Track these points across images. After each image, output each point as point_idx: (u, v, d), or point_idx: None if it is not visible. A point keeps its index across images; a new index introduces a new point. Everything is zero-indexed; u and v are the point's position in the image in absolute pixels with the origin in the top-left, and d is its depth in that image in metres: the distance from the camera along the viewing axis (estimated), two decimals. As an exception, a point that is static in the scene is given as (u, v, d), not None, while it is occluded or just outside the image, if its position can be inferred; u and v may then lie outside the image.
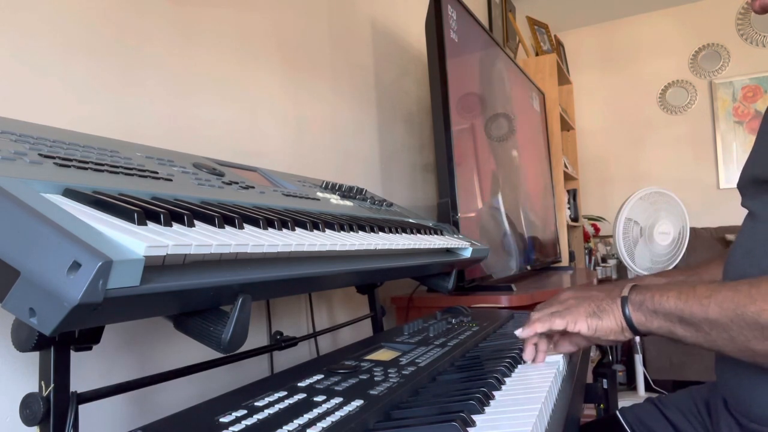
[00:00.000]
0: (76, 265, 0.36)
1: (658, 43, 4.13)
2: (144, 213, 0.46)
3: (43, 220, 0.38)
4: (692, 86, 4.03)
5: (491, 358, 0.78)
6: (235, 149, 1.18)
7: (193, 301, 0.48)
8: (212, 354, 0.57)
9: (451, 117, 1.53)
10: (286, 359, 1.17)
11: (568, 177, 3.42)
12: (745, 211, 0.79)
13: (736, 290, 0.59)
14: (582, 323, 0.71)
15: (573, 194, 3.59)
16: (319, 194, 0.98)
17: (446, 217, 1.48)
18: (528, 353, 0.76)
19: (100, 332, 0.51)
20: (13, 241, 0.37)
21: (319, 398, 0.57)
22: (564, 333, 0.77)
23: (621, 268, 3.55)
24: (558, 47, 3.75)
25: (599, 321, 0.70)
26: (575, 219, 3.54)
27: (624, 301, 0.69)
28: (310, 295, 1.29)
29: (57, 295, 0.35)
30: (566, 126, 3.51)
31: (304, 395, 0.58)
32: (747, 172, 0.78)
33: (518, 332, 0.75)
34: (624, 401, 1.23)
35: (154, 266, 0.42)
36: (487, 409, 0.56)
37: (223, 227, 0.53)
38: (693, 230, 3.06)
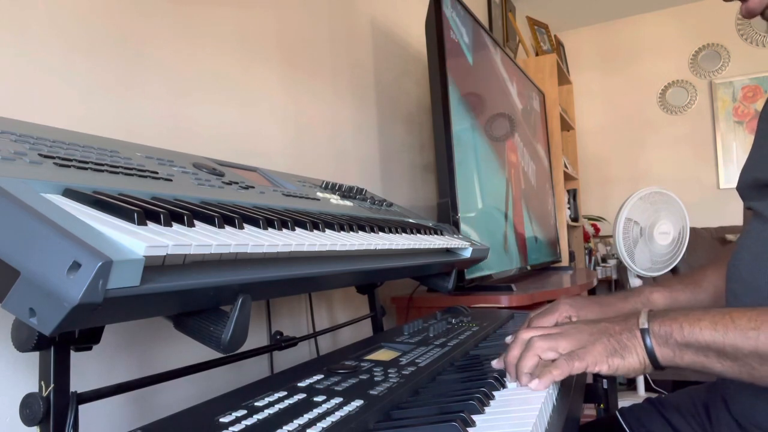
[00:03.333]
0: (76, 265, 0.36)
1: (658, 43, 4.13)
2: (144, 213, 0.46)
3: (43, 220, 0.38)
4: (692, 86, 4.03)
5: (491, 358, 0.78)
6: (235, 149, 1.18)
7: (193, 301, 0.48)
8: (212, 354, 0.57)
9: (451, 117, 1.53)
10: (286, 359, 1.17)
11: (568, 177, 3.42)
12: (743, 212, 0.78)
13: None
14: (603, 364, 0.62)
15: (573, 194, 3.59)
16: (319, 194, 0.98)
17: (446, 217, 1.47)
18: (523, 382, 0.65)
19: (100, 332, 0.51)
20: (13, 241, 0.37)
21: (319, 398, 0.57)
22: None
23: (621, 268, 3.55)
24: (558, 47, 3.75)
25: (622, 360, 0.61)
26: (575, 219, 3.54)
27: (644, 333, 0.61)
28: (310, 295, 1.29)
29: (57, 295, 0.35)
30: (566, 126, 3.51)
31: (304, 395, 0.58)
32: (748, 174, 0.77)
33: (533, 385, 0.63)
34: (624, 401, 1.23)
35: (154, 266, 0.42)
36: (487, 409, 0.56)
37: (223, 227, 0.53)
38: (693, 230, 3.06)
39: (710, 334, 0.57)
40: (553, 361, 0.64)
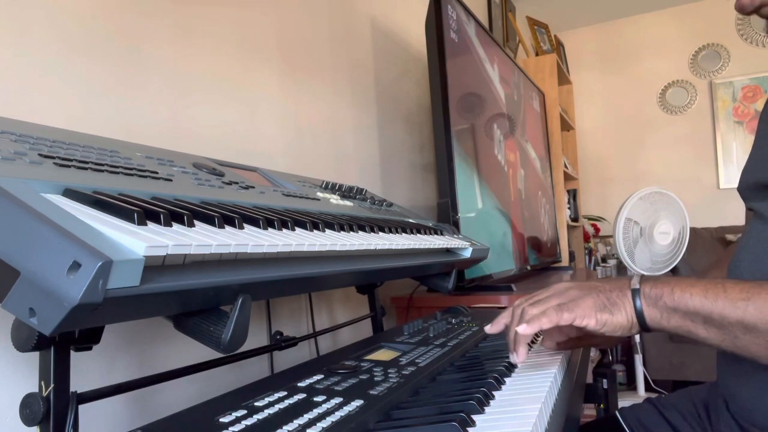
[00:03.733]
0: (76, 265, 0.36)
1: (658, 43, 4.13)
2: (144, 213, 0.46)
3: (43, 220, 0.38)
4: (692, 86, 4.03)
5: (491, 358, 0.78)
6: (235, 149, 1.18)
7: (193, 301, 0.48)
8: (212, 354, 0.57)
9: (451, 117, 1.53)
10: (286, 359, 1.17)
11: (568, 177, 3.42)
12: (745, 212, 0.78)
13: None
14: (591, 318, 0.62)
15: (573, 194, 3.59)
16: (319, 194, 0.98)
17: (446, 217, 1.47)
18: (523, 355, 0.66)
19: (100, 332, 0.51)
20: (13, 241, 0.37)
21: (319, 398, 0.57)
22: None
23: (621, 268, 3.55)
24: (558, 47, 3.75)
25: (610, 316, 0.62)
26: (575, 219, 3.54)
27: (635, 293, 0.62)
28: (310, 295, 1.29)
29: (57, 295, 0.35)
30: (566, 126, 3.51)
31: (304, 395, 0.58)
32: (749, 175, 0.77)
33: (520, 329, 0.64)
34: (624, 401, 1.23)
35: (154, 266, 0.42)
36: (487, 409, 0.56)
37: (223, 227, 0.53)
38: (693, 230, 3.06)
39: (700, 300, 0.59)
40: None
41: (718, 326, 0.58)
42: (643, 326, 0.63)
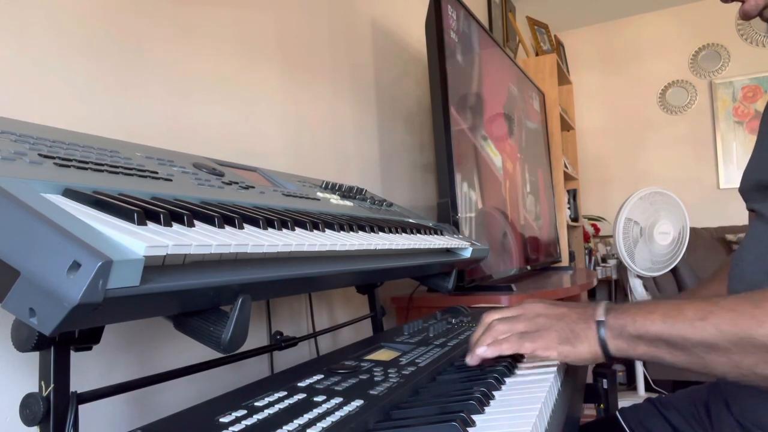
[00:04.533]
0: (76, 265, 0.36)
1: (658, 43, 4.13)
2: (144, 213, 0.46)
3: (43, 220, 0.38)
4: (692, 86, 4.03)
5: (491, 358, 0.78)
6: (235, 149, 1.18)
7: (193, 301, 0.48)
8: (212, 354, 0.57)
9: (451, 117, 1.53)
10: (286, 359, 1.17)
11: (568, 177, 3.42)
12: (746, 213, 0.79)
13: (737, 311, 0.55)
14: (552, 350, 0.63)
15: (573, 194, 3.59)
16: (319, 194, 0.98)
17: (446, 217, 1.47)
18: (475, 362, 0.68)
19: (100, 332, 0.51)
20: (13, 241, 0.37)
21: (319, 398, 0.57)
22: None
23: (621, 268, 3.55)
24: (558, 47, 3.75)
25: (571, 348, 0.63)
26: (575, 219, 3.54)
27: (599, 325, 0.63)
28: (310, 295, 1.29)
29: (57, 295, 0.35)
30: (566, 126, 3.51)
31: (304, 395, 0.58)
32: (750, 176, 0.77)
33: (480, 351, 0.66)
34: (624, 401, 1.23)
35: (154, 266, 0.42)
36: (487, 409, 0.56)
37: (223, 227, 0.53)
38: (693, 230, 3.06)
39: (660, 326, 0.59)
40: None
41: (681, 349, 0.58)
42: (608, 356, 0.63)
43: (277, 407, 0.54)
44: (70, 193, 0.47)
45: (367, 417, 0.52)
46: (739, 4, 0.72)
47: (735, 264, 0.76)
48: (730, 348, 0.55)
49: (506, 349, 0.65)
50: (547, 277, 2.19)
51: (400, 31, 2.05)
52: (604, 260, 3.82)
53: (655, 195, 2.73)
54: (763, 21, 0.73)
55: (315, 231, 0.68)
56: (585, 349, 0.63)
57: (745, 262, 0.73)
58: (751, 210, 0.78)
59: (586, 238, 3.78)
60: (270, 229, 0.60)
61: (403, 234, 0.92)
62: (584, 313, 0.65)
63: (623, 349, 0.62)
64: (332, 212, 0.87)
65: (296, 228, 0.65)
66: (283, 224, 0.63)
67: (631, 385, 3.10)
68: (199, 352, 0.74)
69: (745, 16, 0.73)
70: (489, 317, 0.70)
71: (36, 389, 0.48)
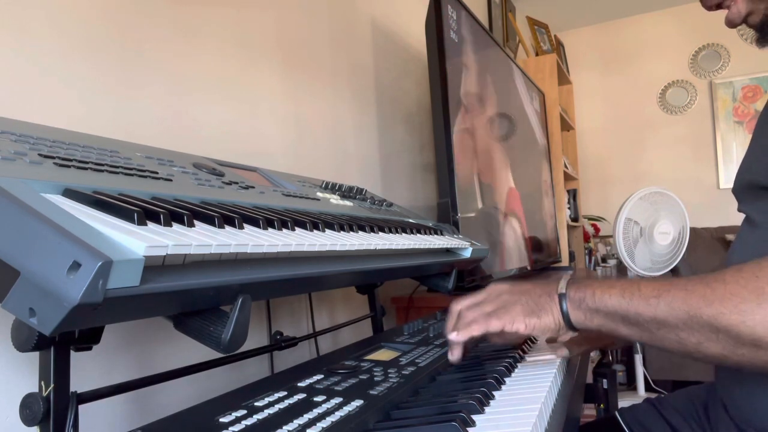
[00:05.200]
0: (76, 265, 0.36)
1: (658, 43, 4.13)
2: (144, 213, 0.46)
3: (43, 220, 0.38)
4: (692, 86, 4.03)
5: (491, 358, 0.78)
6: (235, 149, 1.18)
7: (193, 301, 0.48)
8: (212, 354, 0.57)
9: (451, 117, 1.53)
10: (286, 359, 1.17)
11: (568, 177, 3.42)
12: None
13: (688, 290, 0.57)
14: (520, 323, 0.66)
15: (573, 194, 3.59)
16: (319, 194, 0.98)
17: (446, 217, 1.47)
18: (457, 355, 0.70)
19: (100, 332, 0.51)
20: (13, 241, 0.37)
21: (319, 398, 0.57)
22: None
23: (621, 268, 3.55)
24: (558, 47, 3.75)
25: (537, 320, 0.66)
26: (575, 219, 3.54)
27: (561, 297, 0.66)
28: (310, 295, 1.29)
29: (57, 295, 0.35)
30: (566, 126, 3.51)
31: (304, 395, 0.58)
32: (742, 176, 0.77)
33: (452, 336, 0.69)
34: (624, 401, 1.23)
35: (154, 266, 0.42)
36: (487, 409, 0.56)
37: (223, 227, 0.53)
38: (693, 230, 3.06)
39: (617, 300, 0.62)
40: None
41: (635, 323, 0.61)
42: (570, 327, 0.66)
43: (277, 407, 0.54)
44: (70, 193, 0.47)
45: (367, 417, 0.52)
46: (725, 11, 0.74)
47: (725, 266, 0.76)
48: (678, 325, 0.57)
49: (475, 330, 0.68)
50: (547, 277, 2.18)
51: (400, 31, 2.05)
52: (604, 260, 3.82)
53: (655, 195, 2.73)
54: (749, 28, 0.74)
55: (315, 231, 0.68)
56: (549, 320, 0.66)
57: (732, 264, 0.74)
58: (740, 211, 0.79)
59: (586, 238, 3.78)
60: (270, 229, 0.60)
61: (403, 234, 0.92)
62: (547, 286, 0.69)
63: (581, 320, 0.65)
64: (332, 212, 0.87)
65: (296, 228, 0.65)
66: (283, 224, 0.63)
67: (630, 385, 3.10)
68: (199, 352, 0.74)
69: (730, 24, 0.75)
70: (456, 306, 0.73)
71: (36, 389, 0.48)
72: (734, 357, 0.55)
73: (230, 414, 0.52)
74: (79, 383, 0.53)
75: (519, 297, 0.69)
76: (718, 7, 0.76)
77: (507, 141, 2.15)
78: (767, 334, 0.51)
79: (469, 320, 0.69)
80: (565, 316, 0.65)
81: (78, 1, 0.89)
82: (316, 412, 0.52)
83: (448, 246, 1.06)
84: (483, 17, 3.15)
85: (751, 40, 0.76)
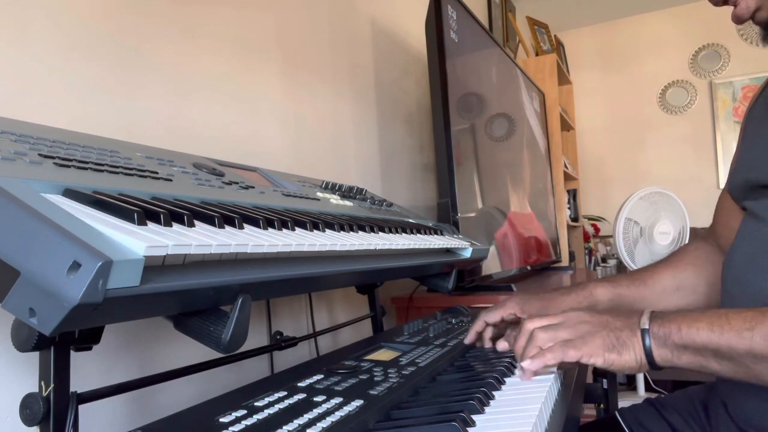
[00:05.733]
0: (76, 265, 0.36)
1: (658, 43, 4.13)
2: (144, 213, 0.46)
3: (43, 220, 0.38)
4: (692, 86, 4.03)
5: (491, 358, 0.78)
6: (235, 149, 1.18)
7: (193, 301, 0.48)
8: (212, 354, 0.57)
9: (451, 117, 1.53)
10: (286, 359, 1.17)
11: (568, 177, 3.41)
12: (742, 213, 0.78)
13: None
14: (599, 357, 0.62)
15: (573, 194, 3.59)
16: (319, 194, 0.98)
17: (446, 217, 1.47)
18: (527, 379, 0.65)
19: (100, 332, 0.51)
20: (13, 241, 0.37)
21: (319, 398, 0.57)
22: None
23: (621, 268, 3.55)
24: (558, 47, 3.75)
25: (618, 356, 0.62)
26: (575, 219, 3.54)
27: (644, 333, 0.62)
28: (310, 295, 1.29)
29: (57, 295, 0.35)
30: (566, 126, 3.51)
31: (304, 395, 0.58)
32: (738, 176, 0.77)
33: (525, 364, 0.64)
34: (624, 401, 1.23)
35: (154, 266, 0.42)
36: (487, 409, 0.56)
37: (223, 227, 0.53)
38: (693, 230, 3.06)
39: (707, 335, 0.58)
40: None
41: (728, 359, 0.58)
42: (653, 365, 0.62)
43: (277, 407, 0.54)
44: (70, 193, 0.47)
45: (367, 417, 0.52)
46: (732, 7, 0.73)
47: (727, 265, 0.75)
48: None
49: (550, 359, 0.63)
50: (547, 277, 2.18)
51: (400, 31, 2.05)
52: (604, 260, 3.82)
53: (655, 195, 2.73)
54: (755, 24, 0.74)
55: (315, 231, 0.68)
56: (630, 357, 0.62)
57: (736, 262, 0.73)
58: (743, 208, 0.77)
59: (586, 238, 3.78)
60: (270, 229, 0.60)
61: (403, 234, 0.92)
62: (628, 320, 0.65)
63: (668, 358, 0.62)
64: (332, 212, 0.87)
65: (296, 228, 0.65)
66: (283, 224, 0.63)
67: (630, 385, 3.10)
68: (199, 352, 0.74)
69: (738, 19, 0.73)
70: (530, 324, 0.69)
71: (36, 389, 0.48)
72: None
73: (230, 414, 0.52)
74: (79, 383, 0.53)
75: (599, 329, 0.65)
76: (725, 2, 0.74)
77: (507, 140, 2.15)
78: None
79: (542, 344, 0.65)
80: (648, 354, 0.62)
81: (78, 1, 0.89)
82: (316, 412, 0.52)
83: (448, 246, 1.06)
84: (483, 17, 3.15)
85: (756, 39, 0.75)
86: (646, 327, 0.63)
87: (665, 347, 0.61)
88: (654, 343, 0.62)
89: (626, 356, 0.62)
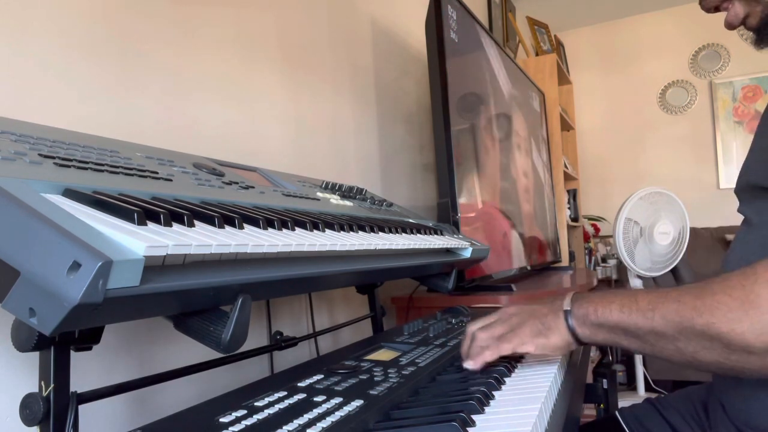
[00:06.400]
0: (76, 265, 0.36)
1: (658, 43, 4.13)
2: (144, 213, 0.46)
3: (43, 220, 0.38)
4: (692, 86, 4.03)
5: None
6: (235, 149, 1.18)
7: (193, 301, 0.48)
8: (212, 354, 0.57)
9: (451, 117, 1.53)
10: (286, 359, 1.17)
11: (568, 177, 3.42)
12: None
13: (681, 302, 0.59)
14: (529, 344, 0.68)
15: (573, 194, 3.59)
16: (319, 194, 0.98)
17: (446, 217, 1.47)
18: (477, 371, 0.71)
19: (100, 332, 0.51)
20: (13, 241, 0.37)
21: (319, 398, 0.57)
22: None
23: (621, 268, 3.55)
24: (558, 47, 3.75)
25: (546, 339, 0.68)
26: (575, 219, 3.54)
27: (567, 314, 0.68)
28: (310, 295, 1.29)
29: (57, 295, 0.35)
30: (566, 126, 3.51)
31: (304, 395, 0.58)
32: (742, 177, 0.78)
33: (468, 365, 0.70)
34: (624, 401, 1.23)
35: (154, 266, 0.42)
36: (487, 409, 0.56)
37: (223, 227, 0.53)
38: (693, 230, 3.06)
39: (618, 315, 0.63)
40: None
41: (635, 336, 0.63)
42: (579, 342, 0.68)
43: (277, 407, 0.54)
44: (70, 193, 0.47)
45: (367, 417, 0.52)
46: (725, 13, 0.75)
47: (724, 268, 0.77)
48: (675, 336, 0.59)
49: (488, 356, 0.69)
50: (547, 277, 2.18)
51: (400, 31, 2.05)
52: (604, 260, 3.82)
53: (655, 195, 2.73)
54: (747, 30, 0.76)
55: (315, 231, 0.68)
56: (557, 338, 0.68)
57: (731, 264, 0.74)
58: (739, 212, 0.79)
59: (586, 238, 3.78)
60: (270, 229, 0.60)
61: (403, 234, 0.92)
62: (552, 305, 0.70)
63: (587, 335, 0.67)
64: (332, 212, 0.87)
65: (296, 228, 0.65)
66: (283, 224, 0.63)
67: (630, 385, 3.10)
68: (199, 352, 0.74)
69: (729, 26, 0.77)
70: (471, 327, 0.75)
71: (36, 389, 0.48)
72: (728, 363, 0.56)
73: (230, 414, 0.52)
74: (79, 383, 0.53)
75: (527, 318, 0.70)
76: (717, 9, 0.78)
77: (506, 140, 2.15)
78: (756, 340, 0.53)
79: (481, 343, 0.71)
80: (573, 333, 0.67)
81: (78, 1, 0.89)
82: (316, 412, 0.52)
83: (448, 246, 1.06)
84: (483, 17, 3.15)
85: (750, 41, 0.77)
86: (569, 308, 0.68)
87: (585, 326, 0.67)
88: (575, 322, 0.67)
89: (553, 338, 0.68)
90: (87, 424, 0.72)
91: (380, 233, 0.84)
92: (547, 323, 0.69)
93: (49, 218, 0.38)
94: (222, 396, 0.59)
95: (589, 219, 4.02)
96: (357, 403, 0.55)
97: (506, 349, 0.69)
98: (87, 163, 0.57)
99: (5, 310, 0.37)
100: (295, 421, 0.50)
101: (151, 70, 1.01)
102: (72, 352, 0.49)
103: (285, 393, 0.59)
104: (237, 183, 0.78)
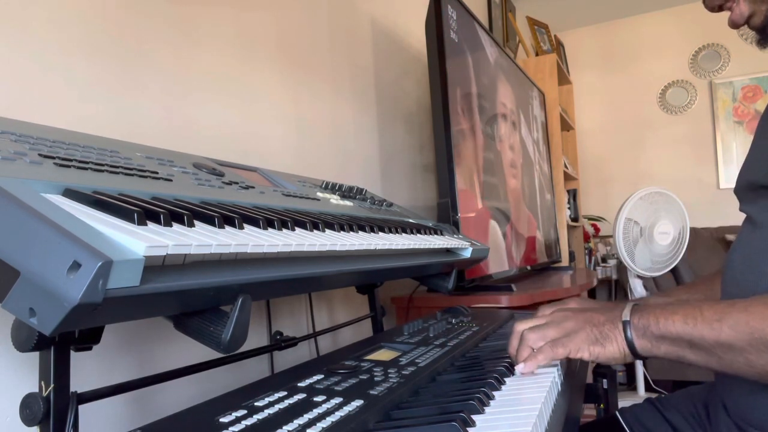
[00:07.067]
0: (76, 265, 0.36)
1: (658, 43, 4.13)
2: (144, 213, 0.46)
3: (43, 220, 0.38)
4: (692, 86, 4.03)
5: (491, 358, 0.78)
6: (235, 149, 1.18)
7: (193, 301, 0.48)
8: (212, 354, 0.57)
9: (451, 117, 1.53)
10: (286, 359, 1.17)
11: (568, 177, 3.42)
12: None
13: (749, 312, 0.56)
14: (584, 351, 0.67)
15: (573, 194, 3.59)
16: (319, 194, 0.98)
17: (446, 217, 1.47)
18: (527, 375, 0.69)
19: (100, 332, 0.51)
20: (13, 241, 0.37)
21: (319, 398, 0.57)
22: None
23: (621, 268, 3.55)
24: (558, 47, 3.75)
25: (602, 348, 0.66)
26: (575, 219, 3.54)
27: (626, 325, 0.66)
28: (310, 295, 1.29)
29: (57, 295, 0.35)
30: (566, 126, 3.51)
31: (304, 395, 0.58)
32: (743, 177, 0.78)
33: (519, 368, 0.68)
34: (624, 401, 1.23)
35: (154, 266, 0.42)
36: (487, 409, 0.56)
37: (223, 227, 0.53)
38: (693, 230, 3.06)
39: (681, 326, 0.61)
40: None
41: (701, 349, 0.60)
42: (635, 355, 0.66)
43: (277, 407, 0.54)
44: (70, 193, 0.47)
45: (367, 417, 0.52)
46: (729, 12, 0.75)
47: (727, 267, 0.77)
48: (745, 348, 0.56)
49: (542, 360, 0.68)
50: (547, 277, 2.18)
51: (400, 31, 2.05)
52: (604, 260, 3.82)
53: (655, 195, 2.73)
54: (750, 29, 0.75)
55: (315, 231, 0.68)
56: (614, 349, 0.66)
57: (734, 263, 0.74)
58: (742, 211, 0.79)
59: (586, 238, 3.78)
60: (270, 229, 0.60)
61: (403, 234, 0.92)
62: (611, 314, 0.68)
63: (647, 348, 0.65)
64: (332, 212, 0.87)
65: (296, 228, 0.65)
66: (283, 224, 0.63)
67: (631, 385, 3.10)
68: (199, 352, 0.74)
69: (733, 25, 0.76)
70: (519, 327, 0.73)
71: (36, 389, 0.48)
72: None
73: (230, 414, 0.52)
74: (79, 383, 0.53)
75: (583, 325, 0.69)
76: (720, 8, 0.77)
77: (506, 140, 2.15)
78: None
79: (532, 344, 0.69)
80: (630, 344, 0.65)
81: (78, 1, 0.89)
82: (316, 412, 0.52)
83: (448, 246, 1.06)
84: (483, 17, 3.15)
85: (752, 41, 0.77)
86: (628, 319, 0.66)
87: (645, 338, 0.64)
88: (635, 334, 0.65)
89: (610, 348, 0.66)
90: (87, 424, 0.72)
91: (380, 233, 0.84)
92: (604, 332, 0.67)
93: (49, 218, 0.38)
94: (222, 396, 0.59)
95: (589, 219, 4.02)
96: (357, 403, 0.55)
97: (561, 354, 0.67)
98: (87, 163, 0.57)
99: (5, 310, 0.37)
100: (295, 421, 0.50)
101: (151, 70, 1.01)
102: (72, 352, 0.49)
103: (285, 393, 0.59)
104: (237, 183, 0.78)
